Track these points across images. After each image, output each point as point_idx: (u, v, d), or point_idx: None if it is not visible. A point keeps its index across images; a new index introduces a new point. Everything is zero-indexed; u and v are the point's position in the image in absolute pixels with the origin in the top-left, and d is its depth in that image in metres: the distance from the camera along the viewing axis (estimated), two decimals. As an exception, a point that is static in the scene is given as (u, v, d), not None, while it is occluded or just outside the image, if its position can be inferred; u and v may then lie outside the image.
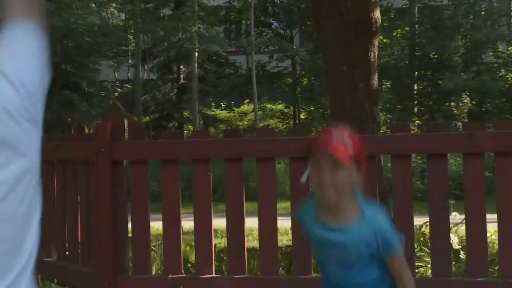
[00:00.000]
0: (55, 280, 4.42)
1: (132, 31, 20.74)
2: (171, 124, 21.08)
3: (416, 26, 20.24)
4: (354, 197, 2.20)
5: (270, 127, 17.58)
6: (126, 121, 4.24)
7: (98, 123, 4.14)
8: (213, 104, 23.40)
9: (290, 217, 3.91)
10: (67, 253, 4.53)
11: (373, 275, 2.25)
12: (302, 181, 2.27)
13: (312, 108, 20.71)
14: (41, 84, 1.14)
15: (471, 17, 18.47)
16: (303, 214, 2.35)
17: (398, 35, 21.02)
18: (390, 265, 2.23)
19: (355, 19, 5.27)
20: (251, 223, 4.79)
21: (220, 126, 21.75)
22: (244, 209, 3.94)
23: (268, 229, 3.89)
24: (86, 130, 4.68)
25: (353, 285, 2.25)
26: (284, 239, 6.29)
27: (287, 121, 22.43)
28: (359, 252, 2.19)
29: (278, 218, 3.95)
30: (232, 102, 23.30)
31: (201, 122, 20.54)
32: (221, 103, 23.65)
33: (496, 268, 4.22)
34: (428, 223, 3.89)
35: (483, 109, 18.54)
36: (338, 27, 5.02)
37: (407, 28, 20.66)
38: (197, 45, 18.21)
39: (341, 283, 2.27)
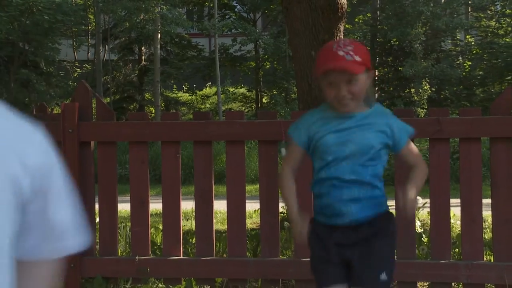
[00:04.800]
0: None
1: (93, 10, 20.36)
2: (132, 106, 20.85)
3: (378, 12, 20.43)
4: (366, 99, 2.34)
5: (234, 110, 17.55)
6: (94, 102, 4.19)
7: (66, 103, 4.08)
8: (175, 86, 23.21)
9: (256, 201, 3.94)
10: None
11: (380, 169, 2.35)
12: (284, 155, 2.40)
13: (274, 92, 20.75)
14: None
15: (432, 5, 18.73)
16: (311, 119, 2.38)
17: (361, 21, 21.19)
18: (408, 151, 2.36)
19: (322, 4, 5.30)
20: (217, 206, 4.81)
21: (182, 108, 21.61)
22: (213, 192, 3.95)
23: (236, 212, 3.91)
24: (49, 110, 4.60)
25: (363, 176, 2.31)
26: (249, 222, 6.33)
27: (249, 105, 22.43)
28: (374, 137, 2.29)
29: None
30: (194, 85, 23.15)
31: (163, 105, 20.36)
32: (183, 86, 23.47)
33: (457, 250, 4.35)
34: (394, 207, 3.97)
35: (442, 96, 18.90)
36: (306, 11, 5.05)
37: (369, 14, 20.84)
38: (159, 27, 17.98)
39: (350, 176, 2.31)
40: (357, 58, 2.22)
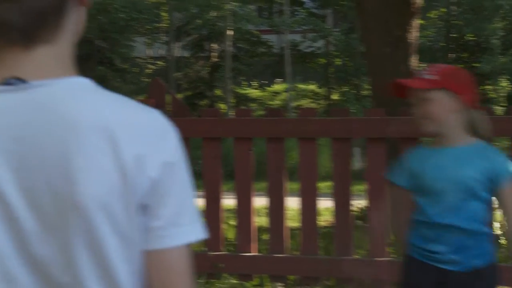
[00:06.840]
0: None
1: (166, 8, 20.76)
2: (203, 102, 21.13)
3: (453, 7, 19.84)
4: (463, 129, 2.21)
5: (305, 107, 17.50)
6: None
7: (142, 100, 4.17)
8: (245, 83, 23.36)
9: (326, 198, 3.90)
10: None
11: (482, 205, 2.21)
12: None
13: (345, 89, 20.52)
14: None
15: (511, -2, 18.02)
16: (413, 158, 2.30)
17: (435, 16, 20.64)
18: (502, 194, 2.19)
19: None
20: (288, 203, 4.80)
21: (252, 105, 21.72)
22: (285, 188, 3.94)
23: (309, 209, 3.89)
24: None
25: (465, 217, 2.19)
26: (319, 220, 6.28)
27: (319, 102, 22.29)
28: (475, 173, 2.16)
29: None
30: (265, 82, 23.21)
31: (233, 101, 20.54)
32: (253, 82, 23.57)
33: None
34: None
35: (521, 93, 18.18)
36: (379, 8, 4.96)
37: (443, 9, 20.27)
38: (231, 23, 18.15)
39: (452, 216, 2.19)
40: (433, 77, 2.13)
